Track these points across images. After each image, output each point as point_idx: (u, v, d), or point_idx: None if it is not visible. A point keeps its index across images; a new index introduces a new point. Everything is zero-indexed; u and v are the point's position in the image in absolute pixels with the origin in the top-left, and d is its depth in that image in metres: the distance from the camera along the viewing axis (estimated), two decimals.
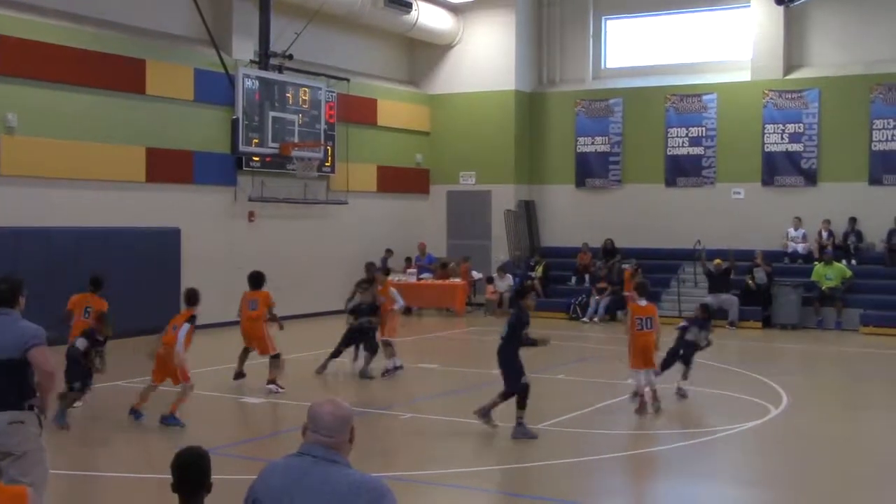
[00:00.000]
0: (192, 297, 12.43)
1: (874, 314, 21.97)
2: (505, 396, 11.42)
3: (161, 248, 20.24)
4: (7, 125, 17.76)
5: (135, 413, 11.83)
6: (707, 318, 14.30)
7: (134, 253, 19.46)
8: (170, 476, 4.45)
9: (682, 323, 14.62)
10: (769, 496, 9.43)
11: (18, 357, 6.23)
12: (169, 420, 11.52)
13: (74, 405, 11.77)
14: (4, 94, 17.72)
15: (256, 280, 14.71)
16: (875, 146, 24.20)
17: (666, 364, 13.62)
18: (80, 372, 11.82)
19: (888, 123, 24.04)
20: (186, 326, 11.81)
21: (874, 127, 24.20)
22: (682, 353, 13.80)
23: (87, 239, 18.54)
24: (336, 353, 15.46)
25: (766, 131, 25.29)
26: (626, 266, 24.91)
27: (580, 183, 27.57)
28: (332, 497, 3.92)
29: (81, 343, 11.90)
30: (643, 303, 13.23)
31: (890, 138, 24.03)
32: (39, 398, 6.38)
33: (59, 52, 18.49)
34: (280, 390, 13.66)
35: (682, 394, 13.68)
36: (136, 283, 19.11)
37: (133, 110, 20.01)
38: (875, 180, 24.18)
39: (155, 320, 19.67)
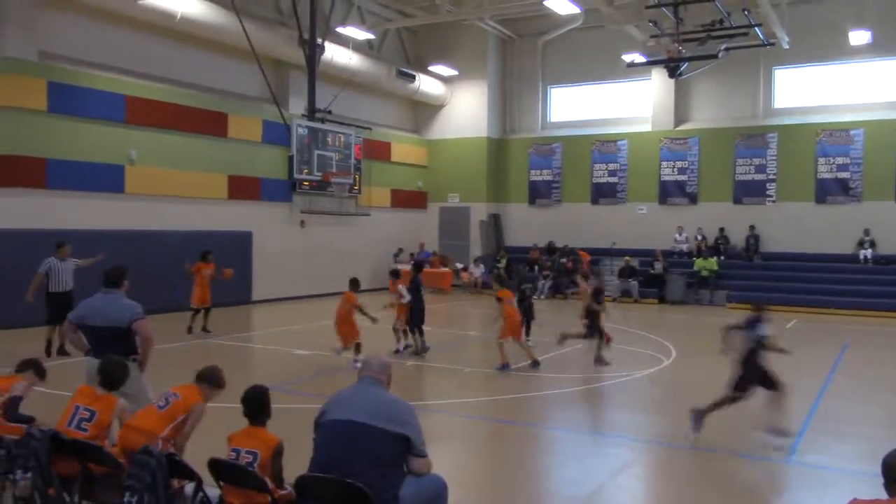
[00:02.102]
0: (503, 279, 12.07)
1: (736, 294, 21.94)
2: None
3: (238, 245, 20.13)
4: (130, 158, 17.62)
5: (534, 363, 11.75)
6: None
7: (219, 248, 19.25)
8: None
9: None
10: (663, 419, 9.37)
11: (125, 326, 6.14)
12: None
13: None
14: (129, 136, 17.58)
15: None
16: (737, 177, 24.19)
17: None
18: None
19: (746, 162, 24.04)
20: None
21: (737, 164, 24.18)
22: None
23: (187, 238, 18.38)
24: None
25: (662, 166, 25.26)
26: (563, 260, 24.92)
27: (532, 201, 27.49)
28: (376, 404, 4.34)
29: None
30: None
31: (747, 172, 24.05)
32: (140, 354, 6.25)
33: (168, 107, 18.35)
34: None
35: None
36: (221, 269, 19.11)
37: (218, 148, 19.85)
38: (737, 201, 24.18)
39: (234, 296, 19.78)
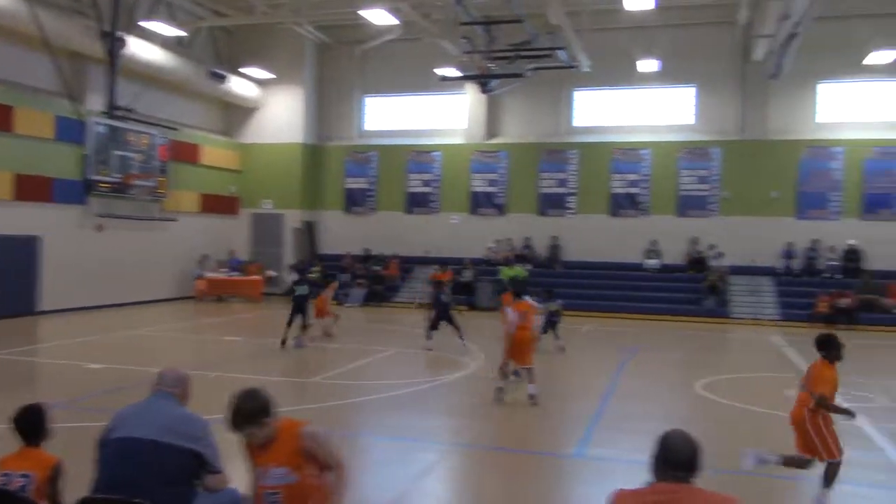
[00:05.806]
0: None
1: (540, 300, 23.14)
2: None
3: (24, 250, 18.50)
4: None
5: None
6: None
7: (2, 254, 17.70)
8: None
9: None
10: (465, 422, 9.71)
11: None
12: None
13: None
14: None
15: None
16: (541, 190, 25.64)
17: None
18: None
19: (550, 176, 25.55)
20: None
21: (541, 178, 25.63)
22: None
23: None
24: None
25: (472, 178, 26.20)
26: (376, 268, 25.13)
27: (347, 209, 27.50)
28: (166, 419, 4.16)
29: None
30: None
31: (550, 186, 25.55)
32: None
33: None
34: None
35: None
36: (4, 276, 17.47)
37: (3, 145, 18.09)
38: (542, 213, 25.62)
39: (19, 304, 18.20)
